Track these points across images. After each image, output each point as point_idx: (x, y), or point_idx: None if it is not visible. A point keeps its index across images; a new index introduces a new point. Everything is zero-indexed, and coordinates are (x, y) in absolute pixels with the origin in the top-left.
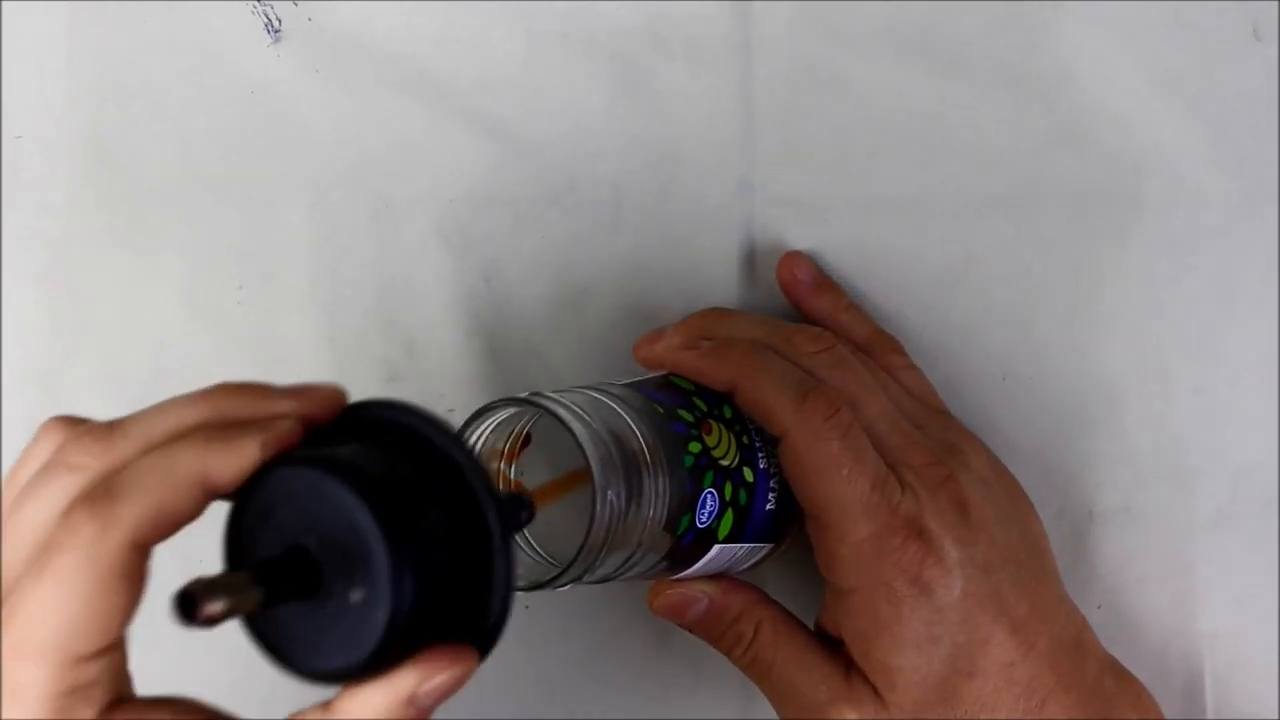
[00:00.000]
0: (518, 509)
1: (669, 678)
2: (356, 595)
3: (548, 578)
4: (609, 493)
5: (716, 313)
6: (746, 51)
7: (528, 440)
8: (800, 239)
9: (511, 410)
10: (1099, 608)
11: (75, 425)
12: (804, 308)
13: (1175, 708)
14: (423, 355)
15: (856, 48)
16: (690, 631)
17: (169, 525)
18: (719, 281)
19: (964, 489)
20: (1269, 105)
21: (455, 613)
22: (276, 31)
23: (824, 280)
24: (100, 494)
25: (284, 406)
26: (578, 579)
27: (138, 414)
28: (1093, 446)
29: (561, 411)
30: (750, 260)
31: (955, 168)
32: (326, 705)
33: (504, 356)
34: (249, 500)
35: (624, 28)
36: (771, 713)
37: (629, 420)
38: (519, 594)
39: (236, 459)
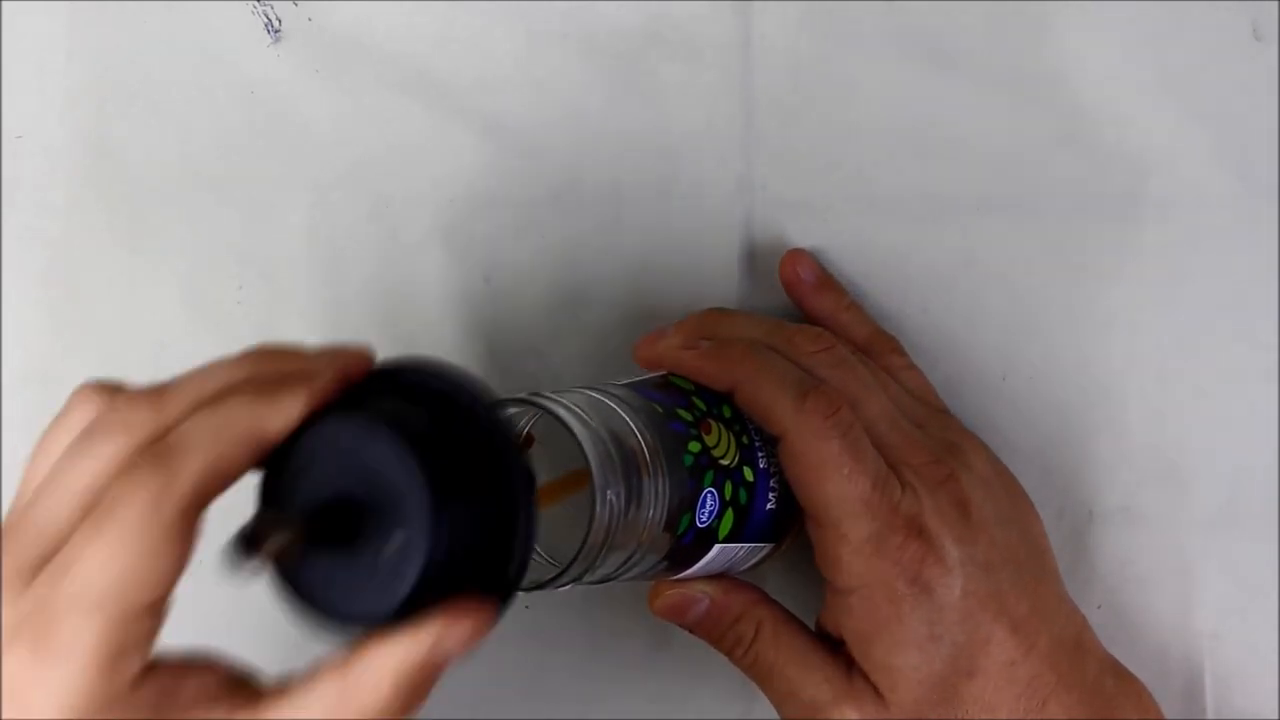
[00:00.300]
0: (530, 477)
1: (669, 678)
2: (394, 543)
3: (548, 578)
4: (609, 493)
5: (716, 313)
6: (746, 51)
7: (530, 441)
8: (800, 238)
9: (510, 411)
10: (1099, 608)
11: (113, 390)
12: (806, 306)
13: (1175, 708)
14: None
15: (857, 47)
16: (691, 632)
17: (225, 481)
18: (719, 281)
19: (964, 488)
20: (1269, 105)
21: (478, 569)
22: (276, 31)
23: (827, 279)
24: (160, 450)
25: (320, 364)
26: (578, 579)
27: (182, 376)
28: (1093, 446)
29: (561, 411)
30: (750, 260)
31: (955, 168)
32: (349, 652)
33: (504, 356)
34: (285, 457)
35: (624, 28)
36: (772, 713)
37: (628, 420)
38: (519, 594)
39: (286, 411)
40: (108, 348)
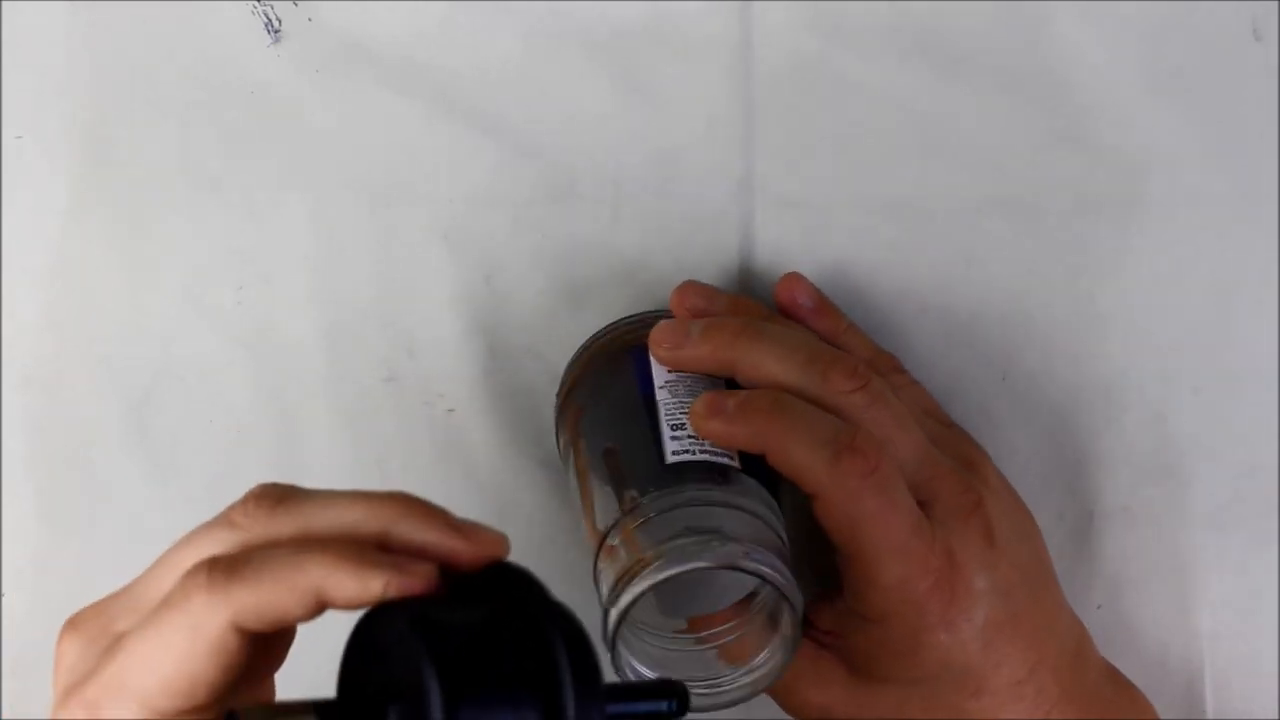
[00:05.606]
0: (665, 694)
1: None
2: None
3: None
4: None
5: (752, 329)
6: (747, 51)
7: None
8: (800, 239)
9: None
10: (1099, 608)
11: (265, 492)
12: None
13: (1175, 708)
14: (423, 355)
15: (857, 47)
16: None
17: (274, 621)
18: (718, 281)
19: (989, 513)
20: (1269, 105)
21: None
22: (276, 31)
23: (824, 303)
24: (222, 569)
25: (448, 545)
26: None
27: (317, 494)
28: (1093, 446)
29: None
30: (749, 260)
31: (955, 168)
32: None
33: (504, 356)
34: (366, 631)
35: (624, 28)
36: (773, 713)
37: (778, 532)
38: None
39: (357, 590)
40: (108, 348)
